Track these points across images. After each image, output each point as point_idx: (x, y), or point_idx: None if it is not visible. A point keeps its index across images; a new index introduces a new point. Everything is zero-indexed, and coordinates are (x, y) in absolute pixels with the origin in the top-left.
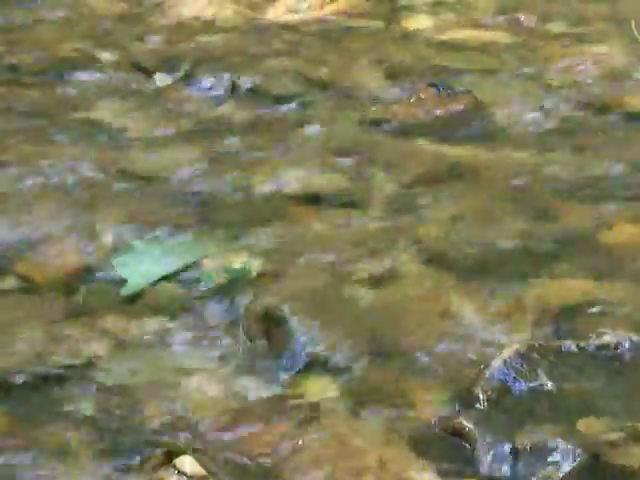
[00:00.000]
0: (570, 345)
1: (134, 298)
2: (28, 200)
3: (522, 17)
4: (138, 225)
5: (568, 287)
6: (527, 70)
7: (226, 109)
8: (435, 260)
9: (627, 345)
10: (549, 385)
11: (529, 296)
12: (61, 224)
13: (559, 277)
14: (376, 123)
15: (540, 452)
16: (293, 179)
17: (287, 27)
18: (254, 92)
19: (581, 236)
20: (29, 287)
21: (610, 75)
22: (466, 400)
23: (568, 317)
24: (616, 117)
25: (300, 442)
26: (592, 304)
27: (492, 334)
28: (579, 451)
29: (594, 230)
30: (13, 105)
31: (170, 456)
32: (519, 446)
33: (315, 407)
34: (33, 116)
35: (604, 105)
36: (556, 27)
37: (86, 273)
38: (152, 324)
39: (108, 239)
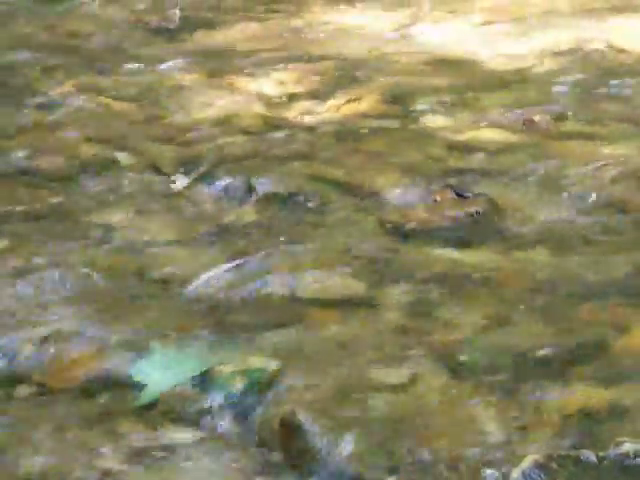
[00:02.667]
0: (589, 455)
1: (151, 405)
2: (44, 304)
3: (537, 117)
4: (155, 329)
5: (586, 395)
6: (543, 171)
7: (244, 211)
8: (453, 366)
9: None
10: None
11: (547, 404)
12: (77, 328)
13: (577, 384)
14: (392, 226)
15: None
16: (310, 282)
17: (305, 128)
18: (272, 194)
19: (599, 341)
20: (45, 393)
21: (627, 176)
22: None
23: (587, 425)
24: (634, 219)
25: None
26: (610, 412)
27: (511, 443)
28: None
29: (612, 335)
30: (31, 208)
31: None
32: None
33: None
34: (51, 219)
35: (622, 207)
36: (571, 127)
37: (102, 378)
38: (169, 432)
39: (125, 344)
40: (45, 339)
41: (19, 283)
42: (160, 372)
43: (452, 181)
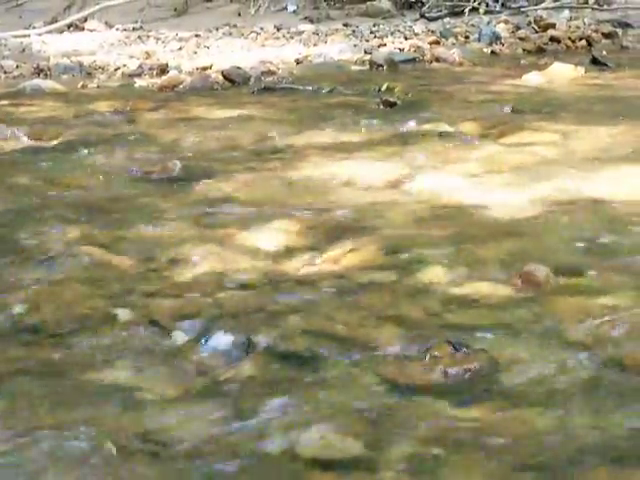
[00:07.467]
0: None
1: None
2: (41, 470)
3: (535, 269)
4: None
5: None
6: (542, 326)
7: (242, 368)
8: None
9: None
10: None
11: None
12: None
13: None
14: (390, 382)
15: None
16: (308, 441)
17: (302, 282)
18: (270, 350)
19: None
20: None
21: (627, 331)
22: None
23: None
24: (636, 375)
25: None
26: None
27: None
28: None
29: None
30: (29, 366)
31: None
32: None
33: None
34: (49, 378)
35: (625, 363)
36: (570, 280)
37: None
38: None
39: None
40: None
41: (16, 446)
42: None
43: (450, 336)
